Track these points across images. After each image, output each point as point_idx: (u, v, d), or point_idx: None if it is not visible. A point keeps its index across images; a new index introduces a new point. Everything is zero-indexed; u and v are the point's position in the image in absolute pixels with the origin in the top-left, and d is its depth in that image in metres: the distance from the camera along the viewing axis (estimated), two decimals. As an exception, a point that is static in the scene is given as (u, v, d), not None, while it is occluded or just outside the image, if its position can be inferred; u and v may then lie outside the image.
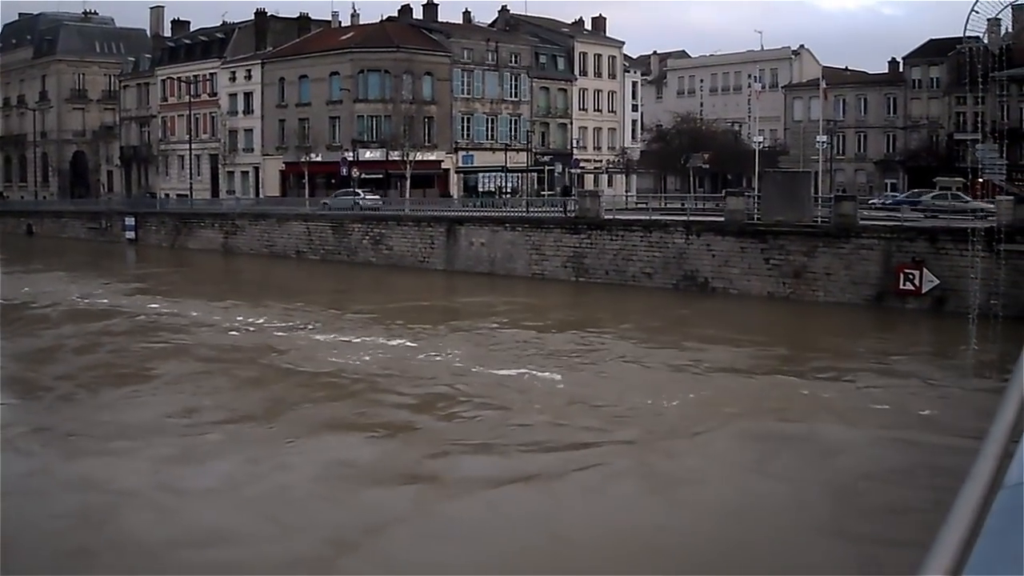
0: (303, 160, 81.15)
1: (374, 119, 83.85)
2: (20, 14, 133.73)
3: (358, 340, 34.57)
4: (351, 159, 79.65)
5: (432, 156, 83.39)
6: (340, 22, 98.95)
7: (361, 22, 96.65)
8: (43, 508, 17.99)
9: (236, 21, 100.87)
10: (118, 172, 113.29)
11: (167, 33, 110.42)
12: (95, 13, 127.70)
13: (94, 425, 24.03)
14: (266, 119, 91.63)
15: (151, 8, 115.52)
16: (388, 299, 47.07)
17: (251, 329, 37.95)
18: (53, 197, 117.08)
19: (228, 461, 21.28)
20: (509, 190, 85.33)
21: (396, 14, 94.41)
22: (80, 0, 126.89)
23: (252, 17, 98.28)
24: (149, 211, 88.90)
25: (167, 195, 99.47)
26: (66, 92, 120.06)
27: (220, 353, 32.79)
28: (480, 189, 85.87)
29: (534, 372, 29.04)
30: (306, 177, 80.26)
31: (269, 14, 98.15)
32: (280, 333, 36.59)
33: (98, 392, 27.80)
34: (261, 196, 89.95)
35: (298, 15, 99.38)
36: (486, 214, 61.86)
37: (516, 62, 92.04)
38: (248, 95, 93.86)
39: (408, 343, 34.29)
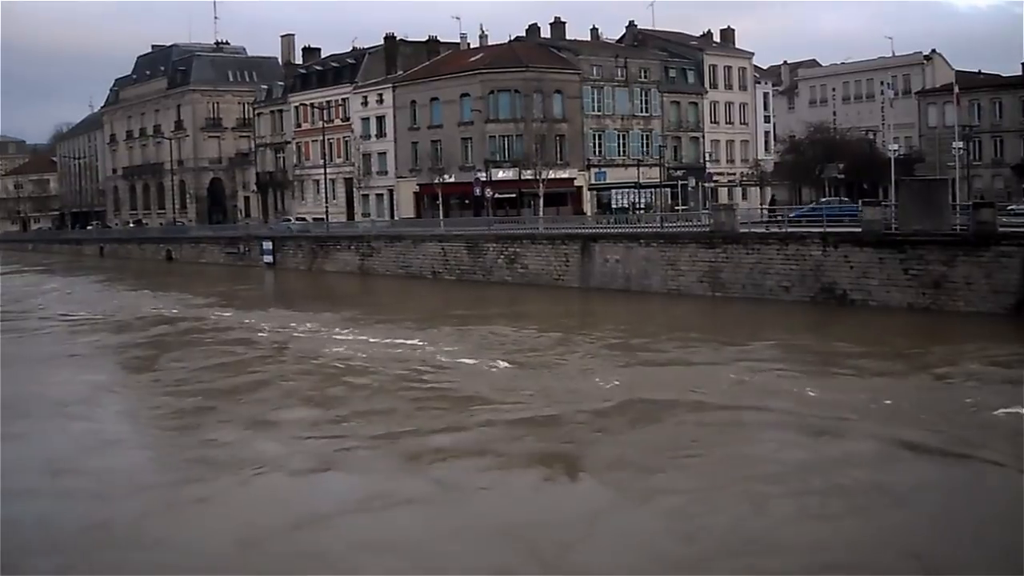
0: (436, 181, 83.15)
1: (506, 139, 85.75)
2: (153, 46, 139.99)
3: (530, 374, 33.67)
4: (484, 179, 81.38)
5: (564, 174, 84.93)
6: (469, 44, 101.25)
7: (490, 43, 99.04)
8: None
9: (366, 46, 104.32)
10: (254, 197, 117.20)
11: (298, 60, 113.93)
12: (227, 43, 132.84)
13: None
14: (399, 142, 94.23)
15: (282, 36, 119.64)
16: (526, 316, 48.20)
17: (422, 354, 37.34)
18: (191, 223, 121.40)
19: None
20: (642, 206, 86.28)
21: (524, 33, 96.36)
22: (211, 28, 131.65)
23: (382, 42, 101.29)
24: (286, 235, 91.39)
25: (303, 219, 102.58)
26: (201, 121, 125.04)
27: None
28: (613, 206, 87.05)
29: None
30: (440, 198, 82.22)
31: (398, 38, 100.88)
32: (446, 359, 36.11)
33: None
34: (396, 218, 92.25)
35: (427, 38, 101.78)
36: (620, 230, 62.16)
37: (646, 77, 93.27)
38: (380, 119, 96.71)
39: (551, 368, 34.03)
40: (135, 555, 17.69)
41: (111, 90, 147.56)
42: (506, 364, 34.39)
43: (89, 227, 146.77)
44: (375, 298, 64.12)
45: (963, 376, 29.79)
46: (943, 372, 30.69)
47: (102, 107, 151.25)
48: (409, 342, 39.78)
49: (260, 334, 44.96)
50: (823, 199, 79.42)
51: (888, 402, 26.78)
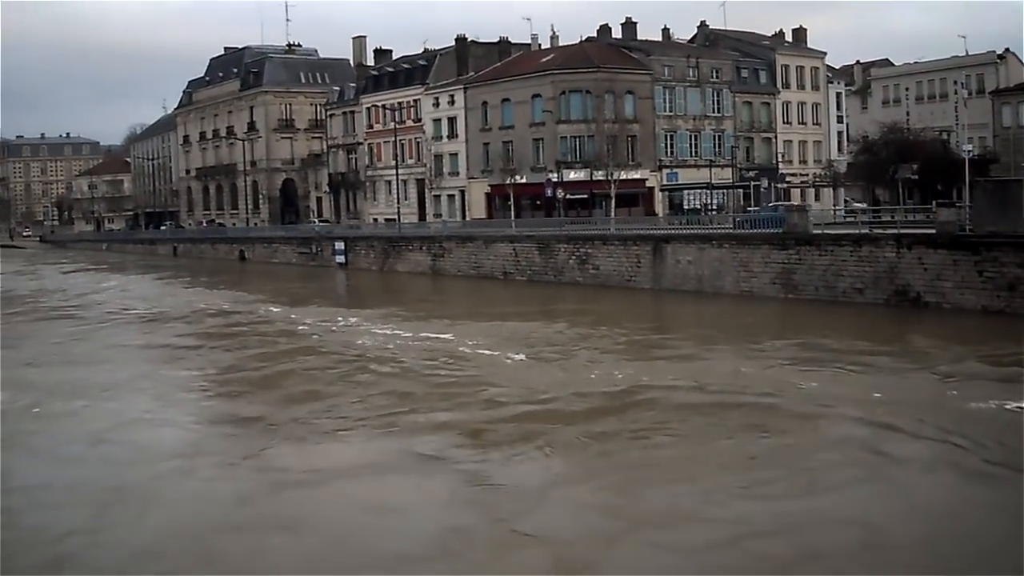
0: (508, 182, 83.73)
1: (577, 139, 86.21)
2: (226, 48, 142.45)
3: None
4: (555, 180, 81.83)
5: (636, 175, 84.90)
6: (540, 44, 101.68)
7: (561, 43, 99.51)
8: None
9: (437, 48, 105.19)
10: (327, 198, 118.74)
11: (370, 62, 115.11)
12: (299, 45, 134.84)
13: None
14: (470, 143, 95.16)
15: (353, 38, 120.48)
16: (580, 314, 49.31)
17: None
18: (264, 224, 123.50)
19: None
20: (715, 207, 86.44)
21: (595, 34, 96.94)
22: (283, 29, 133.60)
23: (453, 43, 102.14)
24: (358, 235, 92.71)
25: (375, 220, 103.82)
26: (274, 122, 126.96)
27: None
28: (685, 206, 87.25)
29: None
30: (511, 199, 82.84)
31: (469, 39, 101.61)
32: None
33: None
34: (467, 219, 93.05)
35: (498, 39, 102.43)
36: (692, 231, 62.09)
37: (717, 77, 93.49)
38: (452, 120, 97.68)
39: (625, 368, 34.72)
40: (136, 510, 20.71)
41: (184, 92, 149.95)
42: (522, 357, 36.84)
43: (163, 227, 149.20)
44: (430, 296, 65.95)
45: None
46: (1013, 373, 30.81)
47: (175, 108, 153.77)
48: (441, 336, 42.67)
49: (301, 327, 48.70)
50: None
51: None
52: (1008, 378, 30.04)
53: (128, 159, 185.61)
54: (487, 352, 38.23)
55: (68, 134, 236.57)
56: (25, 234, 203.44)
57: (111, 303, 66.67)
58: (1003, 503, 20.07)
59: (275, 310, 57.10)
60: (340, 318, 51.20)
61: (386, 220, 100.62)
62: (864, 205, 77.58)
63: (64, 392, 33.13)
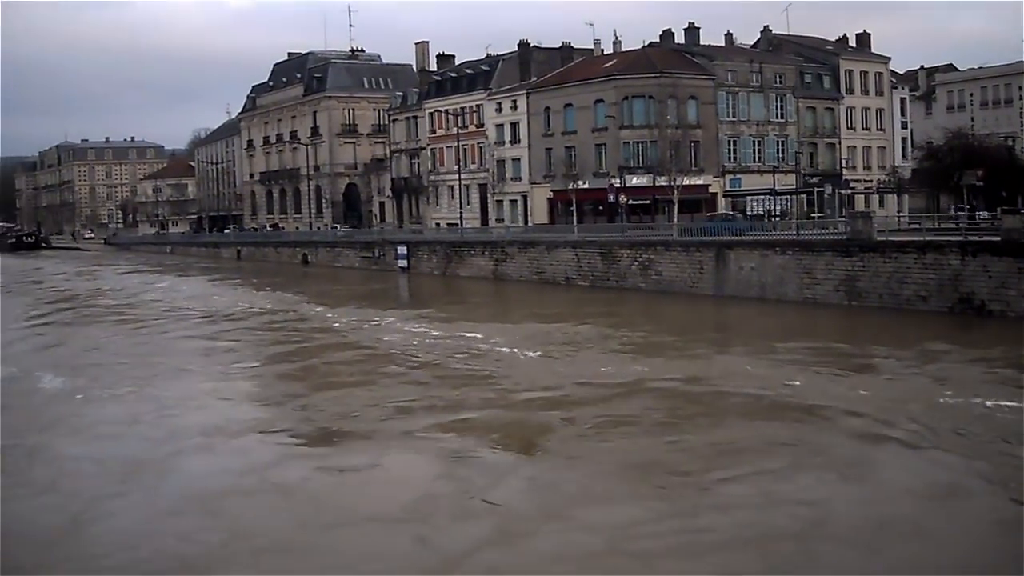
0: (570, 188, 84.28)
1: (640, 145, 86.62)
2: (289, 54, 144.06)
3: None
4: (618, 185, 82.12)
5: (699, 180, 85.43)
6: (603, 50, 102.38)
7: (623, 49, 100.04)
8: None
9: (500, 53, 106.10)
10: (389, 203, 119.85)
11: (433, 67, 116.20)
12: (362, 51, 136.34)
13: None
14: (533, 148, 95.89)
15: (416, 44, 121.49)
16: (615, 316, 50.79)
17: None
18: (327, 227, 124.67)
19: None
20: (778, 213, 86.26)
21: (658, 39, 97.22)
22: (347, 35, 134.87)
23: (516, 48, 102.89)
24: (420, 240, 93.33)
25: (437, 224, 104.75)
26: (337, 127, 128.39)
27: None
28: (748, 212, 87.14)
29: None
30: (574, 204, 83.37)
31: (532, 44, 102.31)
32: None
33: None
34: (530, 224, 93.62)
35: (560, 44, 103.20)
36: (755, 238, 61.62)
37: (781, 82, 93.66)
38: (515, 125, 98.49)
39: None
40: (156, 478, 24.42)
41: (248, 97, 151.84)
42: (536, 354, 39.63)
43: (226, 230, 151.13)
44: (476, 299, 68.11)
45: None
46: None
47: (239, 113, 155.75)
48: (467, 335, 45.63)
49: (335, 324, 53.35)
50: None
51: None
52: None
53: (192, 163, 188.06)
54: (506, 349, 41.07)
55: (133, 138, 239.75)
56: (87, 236, 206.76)
57: (166, 303, 70.93)
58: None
59: (317, 309, 60.94)
60: (377, 318, 54.40)
61: (448, 225, 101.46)
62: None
63: (106, 380, 37.80)
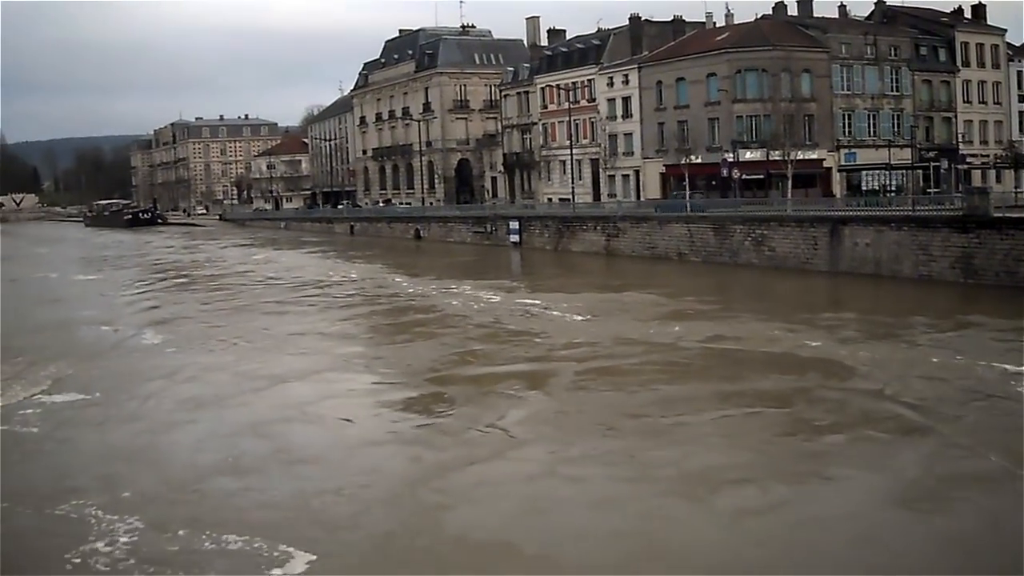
0: (683, 162, 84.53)
1: (753, 119, 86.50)
2: (400, 30, 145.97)
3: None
4: (731, 160, 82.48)
5: (813, 155, 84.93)
6: (715, 23, 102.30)
7: (735, 21, 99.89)
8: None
9: (611, 27, 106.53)
10: (501, 178, 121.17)
11: (544, 42, 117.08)
12: (472, 26, 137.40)
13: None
14: (645, 122, 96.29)
15: (527, 19, 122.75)
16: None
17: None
18: (439, 203, 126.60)
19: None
20: (893, 188, 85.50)
21: (771, 11, 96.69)
22: (457, 11, 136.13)
23: (627, 23, 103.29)
24: (532, 215, 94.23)
25: (549, 199, 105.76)
26: (448, 103, 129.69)
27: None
28: (863, 188, 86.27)
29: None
30: (686, 179, 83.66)
31: (643, 18, 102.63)
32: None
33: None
34: (642, 199, 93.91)
35: (672, 18, 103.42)
36: (870, 213, 61.64)
37: (895, 55, 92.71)
38: (626, 99, 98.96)
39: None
40: (218, 413, 30.66)
41: (360, 74, 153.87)
42: (581, 317, 45.74)
43: (340, 206, 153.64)
44: (573, 273, 71.20)
45: None
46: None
47: (351, 90, 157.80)
48: (527, 301, 52.23)
49: (409, 289, 61.59)
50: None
51: None
52: None
53: (305, 140, 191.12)
54: (555, 313, 47.09)
55: (247, 115, 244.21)
56: (200, 212, 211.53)
57: (264, 273, 79.00)
58: None
59: (397, 279, 68.64)
60: (454, 287, 60.50)
61: (560, 200, 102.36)
62: None
63: (195, 337, 46.03)
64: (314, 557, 18.51)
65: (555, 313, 46.96)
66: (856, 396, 29.26)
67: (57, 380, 35.73)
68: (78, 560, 18.85)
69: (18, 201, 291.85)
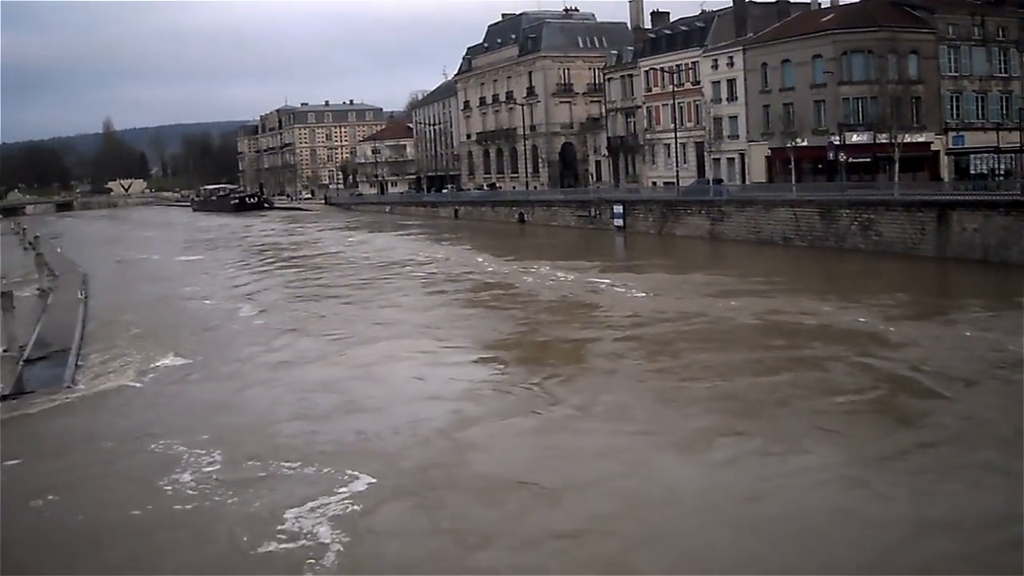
0: (789, 145, 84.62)
1: (860, 101, 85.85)
2: (503, 15, 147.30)
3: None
4: (837, 143, 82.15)
5: (920, 138, 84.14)
6: (820, 4, 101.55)
7: (841, 2, 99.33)
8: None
9: (715, 9, 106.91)
10: (605, 161, 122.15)
11: (647, 25, 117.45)
12: (576, 10, 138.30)
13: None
14: (750, 105, 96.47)
15: (630, 1, 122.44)
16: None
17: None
18: (543, 187, 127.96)
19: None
20: (1002, 172, 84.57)
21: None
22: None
23: (731, 4, 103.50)
24: (636, 199, 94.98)
25: (653, 183, 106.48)
26: (552, 87, 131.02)
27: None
28: (971, 171, 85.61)
29: None
30: (792, 162, 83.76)
31: (748, 0, 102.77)
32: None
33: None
34: (747, 182, 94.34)
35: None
36: (978, 198, 61.31)
37: (1004, 36, 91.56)
38: (731, 82, 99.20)
39: None
40: (296, 372, 36.34)
41: (463, 58, 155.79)
42: (644, 294, 50.63)
43: (444, 190, 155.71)
44: (653, 255, 73.95)
45: None
46: None
47: (455, 75, 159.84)
48: (597, 279, 56.85)
49: (488, 268, 67.51)
50: None
51: None
52: None
53: (410, 124, 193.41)
54: (618, 289, 52.42)
55: (351, 101, 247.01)
56: (305, 197, 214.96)
57: (358, 255, 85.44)
58: None
59: (479, 258, 74.15)
60: (534, 267, 65.18)
61: (664, 183, 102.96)
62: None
63: (284, 308, 53.80)
64: (374, 480, 23.38)
65: (617, 289, 52.69)
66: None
67: (162, 347, 41.55)
68: (169, 488, 23.69)
69: (126, 186, 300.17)
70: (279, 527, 20.71)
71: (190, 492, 23.30)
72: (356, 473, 23.75)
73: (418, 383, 33.53)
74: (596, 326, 42.39)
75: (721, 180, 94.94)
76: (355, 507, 21.76)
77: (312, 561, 19.16)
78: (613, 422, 27.70)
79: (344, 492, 22.58)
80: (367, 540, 20.17)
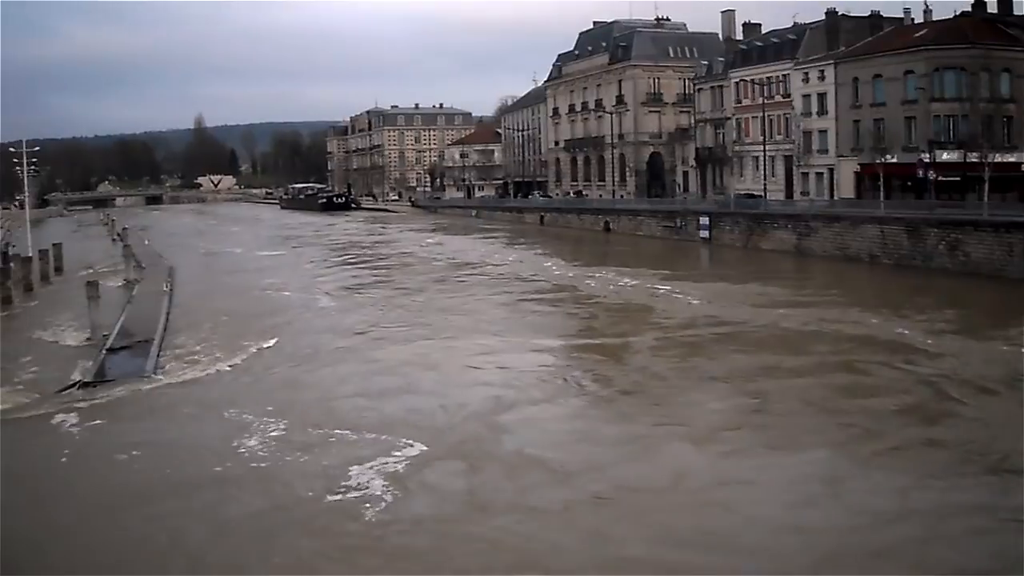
0: (878, 161, 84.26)
1: (951, 119, 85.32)
2: (594, 22, 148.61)
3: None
4: (927, 160, 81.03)
5: (1012, 158, 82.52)
6: (912, 19, 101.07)
7: (934, 18, 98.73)
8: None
9: (807, 22, 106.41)
10: (693, 172, 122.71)
11: (739, 36, 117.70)
12: (667, 19, 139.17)
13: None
14: (840, 120, 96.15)
15: (722, 12, 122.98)
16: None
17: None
18: (630, 196, 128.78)
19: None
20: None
21: (970, 8, 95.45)
22: (652, 4, 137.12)
23: (823, 17, 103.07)
24: (723, 211, 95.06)
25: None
26: (642, 96, 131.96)
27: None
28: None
29: None
30: (881, 179, 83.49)
31: (840, 13, 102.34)
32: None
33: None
34: (835, 198, 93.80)
35: (869, 13, 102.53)
36: None
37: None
38: (822, 96, 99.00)
39: None
40: (365, 355, 41.93)
41: (554, 65, 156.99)
42: (700, 301, 53.49)
43: (531, 196, 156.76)
44: (729, 268, 74.47)
45: None
46: None
47: (545, 81, 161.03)
48: (659, 287, 59.99)
49: (555, 271, 72.72)
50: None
51: None
52: None
53: (499, 129, 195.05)
54: (677, 295, 55.89)
55: (441, 104, 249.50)
56: (392, 198, 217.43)
57: (433, 255, 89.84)
58: None
59: (547, 264, 79.00)
60: (600, 274, 68.63)
61: (751, 196, 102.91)
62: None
63: (357, 301, 59.60)
64: (426, 447, 27.16)
65: (676, 295, 56.36)
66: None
67: (243, 338, 44.94)
68: (243, 451, 27.52)
69: (216, 182, 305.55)
70: (343, 482, 24.51)
71: (263, 453, 27.26)
72: (410, 442, 27.63)
73: (472, 371, 37.54)
74: (645, 329, 45.88)
75: (755, 195, 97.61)
76: (407, 468, 25.60)
77: (368, 506, 22.92)
78: (636, 413, 31.37)
79: (399, 455, 26.50)
80: (414, 494, 23.83)
